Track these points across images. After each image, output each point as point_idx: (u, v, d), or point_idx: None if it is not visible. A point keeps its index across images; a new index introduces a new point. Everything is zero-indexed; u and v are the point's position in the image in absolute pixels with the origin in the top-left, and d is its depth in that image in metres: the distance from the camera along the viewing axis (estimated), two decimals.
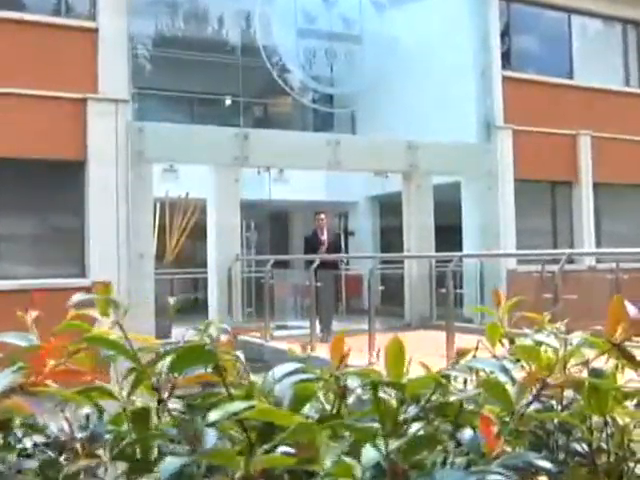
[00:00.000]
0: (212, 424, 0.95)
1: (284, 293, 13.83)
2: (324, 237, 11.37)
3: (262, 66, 12.86)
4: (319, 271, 10.48)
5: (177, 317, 14.19)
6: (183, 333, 1.56)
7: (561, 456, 1.32)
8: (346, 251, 15.27)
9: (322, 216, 11.50)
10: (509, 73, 14.31)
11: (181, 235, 13.21)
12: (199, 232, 12.90)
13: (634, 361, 1.06)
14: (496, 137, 13.91)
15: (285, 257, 13.83)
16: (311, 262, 10.46)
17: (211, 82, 14.96)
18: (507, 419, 1.02)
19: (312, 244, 11.36)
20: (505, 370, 1.18)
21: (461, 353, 1.67)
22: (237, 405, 0.95)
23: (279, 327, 12.04)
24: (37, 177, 10.76)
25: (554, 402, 1.30)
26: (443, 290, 10.78)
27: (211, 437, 0.90)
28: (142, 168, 11.30)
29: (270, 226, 16.23)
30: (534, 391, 1.05)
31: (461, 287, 12.98)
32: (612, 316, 1.03)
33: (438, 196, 13.25)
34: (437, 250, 12.91)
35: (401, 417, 0.95)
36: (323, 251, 11.12)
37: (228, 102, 16.23)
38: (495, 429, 0.91)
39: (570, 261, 13.89)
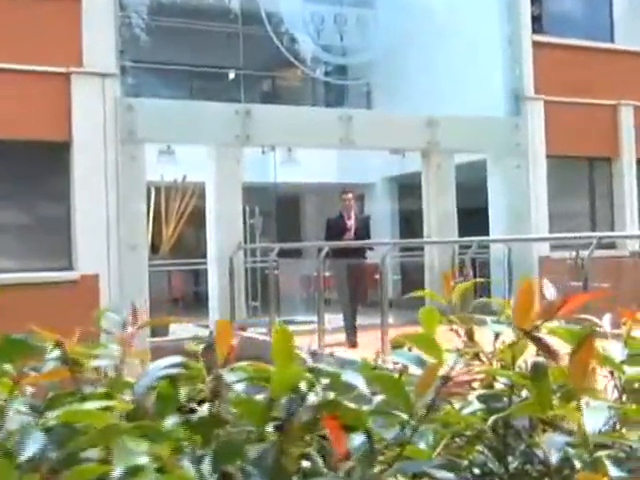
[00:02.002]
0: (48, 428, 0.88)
1: (293, 285, 13.80)
2: (351, 221, 10.64)
3: (267, 35, 12.77)
4: (341, 261, 10.23)
5: (176, 313, 14.30)
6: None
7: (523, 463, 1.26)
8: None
9: (349, 195, 10.74)
10: (540, 38, 14.09)
11: (178, 223, 13.19)
12: (198, 219, 12.88)
13: (549, 351, 0.98)
14: (526, 109, 13.73)
15: (291, 245, 13.76)
16: (332, 250, 10.26)
17: (212, 54, 14.89)
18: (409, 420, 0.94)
19: (336, 229, 10.59)
20: (422, 363, 1.10)
21: (396, 345, 1.60)
22: (75, 407, 0.88)
23: (286, 322, 12.02)
24: (16, 161, 10.76)
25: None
26: (480, 279, 10.68)
27: (33, 443, 0.83)
28: (133, 149, 11.27)
29: (278, 212, 16.16)
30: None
31: (488, 276, 12.90)
32: (521, 300, 0.95)
33: (461, 176, 13.11)
34: (461, 236, 12.79)
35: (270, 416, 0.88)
36: (350, 237, 10.47)
37: (231, 76, 16.14)
38: (343, 434, 0.83)
39: (611, 246, 13.78)
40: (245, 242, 12.93)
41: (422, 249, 13.31)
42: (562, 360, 1.04)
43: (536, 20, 14.33)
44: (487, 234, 13.15)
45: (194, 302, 14.43)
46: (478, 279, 10.08)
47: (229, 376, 0.98)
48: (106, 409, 0.92)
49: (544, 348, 0.98)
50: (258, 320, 12.08)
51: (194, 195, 13.32)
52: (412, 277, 14.28)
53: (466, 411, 1.29)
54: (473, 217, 13.35)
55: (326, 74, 14.85)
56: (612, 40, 15.10)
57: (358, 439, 0.93)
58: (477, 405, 1.35)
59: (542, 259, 13.15)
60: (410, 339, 1.07)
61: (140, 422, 0.85)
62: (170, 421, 0.99)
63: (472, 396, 1.30)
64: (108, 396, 0.98)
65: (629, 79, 14.57)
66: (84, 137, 10.90)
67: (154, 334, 11.34)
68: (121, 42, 11.84)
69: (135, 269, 11.15)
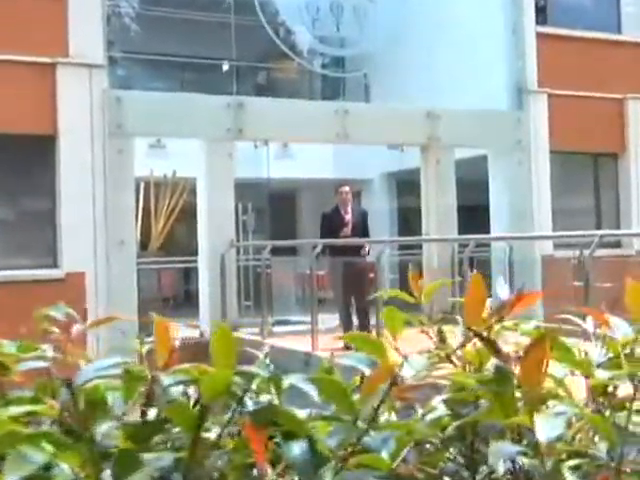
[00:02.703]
0: None
1: (287, 284, 13.77)
2: (348, 216, 10.42)
3: (261, 26, 12.73)
4: (338, 258, 10.11)
5: (165, 312, 14.26)
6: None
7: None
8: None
9: (346, 189, 10.52)
10: (544, 29, 14.06)
11: (168, 219, 13.17)
12: (189, 215, 12.85)
13: (499, 352, 0.95)
14: (529, 103, 13.71)
15: (284, 242, 13.72)
16: (329, 247, 10.19)
17: (204, 45, 14.84)
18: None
19: (332, 224, 10.37)
20: (374, 366, 1.07)
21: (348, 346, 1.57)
22: None
23: (280, 323, 12.00)
24: None
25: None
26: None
27: None
28: (121, 143, 11.24)
29: (271, 208, 16.13)
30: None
31: (489, 275, 12.85)
32: (471, 300, 0.92)
33: (461, 172, 13.07)
34: (461, 234, 12.76)
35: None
36: (347, 233, 10.28)
37: (225, 67, 16.10)
38: (263, 443, 0.79)
39: (616, 245, 13.75)
40: (237, 240, 12.90)
41: (421, 247, 13.28)
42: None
43: (540, 11, 14.30)
44: (488, 232, 13.12)
45: (185, 301, 14.41)
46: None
47: (166, 379, 0.95)
48: (30, 414, 0.89)
49: (494, 349, 0.95)
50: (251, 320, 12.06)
51: (185, 191, 13.29)
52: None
53: (430, 417, 1.26)
54: (474, 215, 13.33)
55: (323, 66, 14.82)
56: (619, 31, 15.06)
57: (299, 447, 0.89)
58: (443, 410, 1.32)
59: (545, 258, 13.12)
60: (353, 340, 1.03)
61: (45, 430, 0.82)
62: (103, 427, 0.96)
63: (436, 401, 1.27)
64: (35, 401, 0.94)
65: (637, 72, 14.53)
66: (70, 130, 10.86)
67: (142, 334, 11.30)
68: (109, 32, 11.83)
69: (123, 267, 11.12)
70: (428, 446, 1.27)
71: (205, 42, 14.70)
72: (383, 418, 1.36)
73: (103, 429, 0.95)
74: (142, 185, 13.22)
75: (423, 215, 13.15)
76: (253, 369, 0.88)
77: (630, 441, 1.10)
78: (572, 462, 1.06)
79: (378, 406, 0.93)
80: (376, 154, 14.95)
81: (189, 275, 13.79)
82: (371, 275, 9.66)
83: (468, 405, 1.30)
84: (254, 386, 0.94)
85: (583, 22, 14.53)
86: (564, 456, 1.12)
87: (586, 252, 8.43)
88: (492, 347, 0.95)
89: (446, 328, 1.91)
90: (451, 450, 1.27)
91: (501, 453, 0.90)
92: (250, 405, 0.92)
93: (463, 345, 0.99)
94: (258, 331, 11.24)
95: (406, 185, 15.54)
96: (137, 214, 12.63)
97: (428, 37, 13.94)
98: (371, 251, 10.53)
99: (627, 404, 1.16)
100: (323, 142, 13.50)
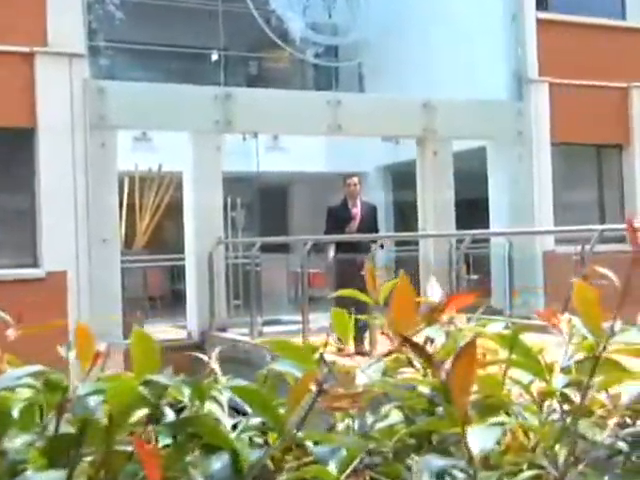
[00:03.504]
0: None
1: (279, 283, 13.75)
2: (356, 210, 10.03)
3: (251, 13, 12.69)
4: (345, 256, 9.61)
5: (152, 312, 14.25)
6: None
7: None
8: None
9: (355, 180, 10.11)
10: (545, 15, 14.04)
11: (154, 215, 13.13)
12: (176, 211, 12.81)
13: (427, 357, 0.92)
14: (529, 93, 13.68)
15: (274, 239, 13.70)
16: (336, 244, 9.96)
17: (190, 33, 14.79)
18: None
19: (339, 219, 9.99)
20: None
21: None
22: None
23: (270, 322, 11.97)
24: None
25: None
26: (474, 276, 10.64)
27: None
28: (104, 136, 11.20)
29: (262, 203, 16.09)
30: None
31: (488, 272, 12.85)
32: (397, 302, 0.90)
33: (459, 165, 13.04)
34: (459, 229, 12.74)
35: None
36: (352, 229, 9.90)
37: (214, 57, 16.05)
38: (155, 458, 0.76)
39: (621, 240, 13.71)
40: (226, 236, 12.86)
41: (417, 243, 13.27)
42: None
43: None
44: (487, 227, 13.09)
45: (172, 301, 14.36)
46: (473, 276, 10.03)
47: (82, 389, 0.92)
48: None
49: (422, 355, 0.92)
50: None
51: (171, 186, 13.25)
52: (408, 273, 14.20)
53: (382, 424, 1.23)
54: (472, 209, 13.30)
55: (316, 56, 14.77)
56: (624, 17, 15.03)
57: (219, 461, 0.86)
58: (396, 418, 1.29)
59: (546, 254, 13.11)
60: (273, 346, 1.00)
61: None
62: (16, 441, 0.93)
63: (387, 408, 1.24)
64: None
65: None
66: (50, 123, 10.82)
67: (127, 336, 11.27)
68: (93, 20, 11.78)
69: (106, 266, 11.08)
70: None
71: (193, 31, 14.64)
72: (342, 425, 1.34)
73: (16, 443, 0.92)
74: (126, 180, 13.17)
75: (419, 210, 13.12)
76: (162, 378, 0.85)
77: (587, 449, 1.07)
78: (528, 474, 1.04)
79: (305, 416, 0.90)
80: (370, 146, 14.92)
81: (176, 274, 13.75)
82: (362, 273, 9.56)
83: (422, 413, 1.28)
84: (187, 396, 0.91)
85: (586, 8, 14.48)
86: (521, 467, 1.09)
87: (587, 247, 8.42)
88: (421, 353, 0.92)
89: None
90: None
91: (426, 467, 0.87)
92: (170, 416, 0.89)
93: (390, 353, 0.96)
94: (248, 331, 11.20)
95: (402, 178, 15.51)
96: (121, 210, 12.59)
97: (424, 24, 13.89)
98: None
99: (595, 410, 1.13)
100: (315, 134, 13.46)
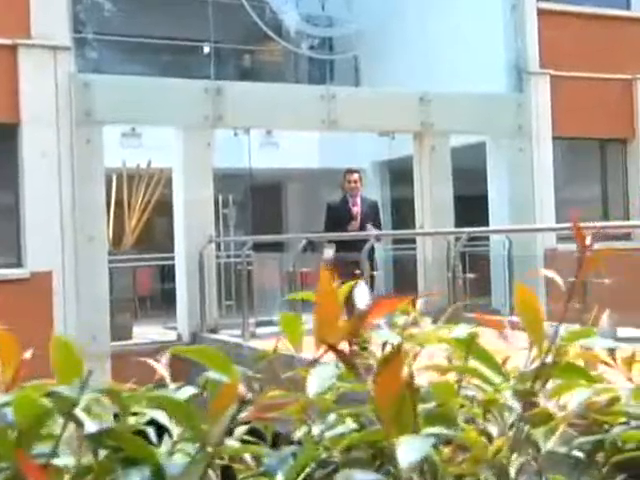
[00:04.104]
0: None
1: (272, 282, 13.71)
2: (357, 207, 9.92)
3: (242, 4, 12.66)
4: (346, 255, 9.39)
5: (142, 313, 14.24)
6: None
7: None
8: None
9: (355, 177, 9.99)
10: (547, 5, 14.00)
11: (142, 213, 13.10)
12: (165, 209, 12.79)
13: (351, 365, 0.90)
14: (530, 85, 13.65)
15: (265, 237, 13.69)
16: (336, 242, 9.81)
17: (180, 25, 14.77)
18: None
19: (339, 216, 9.85)
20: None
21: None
22: None
23: (263, 324, 11.94)
24: None
25: None
26: (471, 275, 10.57)
27: None
28: (90, 132, 11.18)
29: (254, 201, 16.08)
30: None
31: (487, 271, 12.85)
32: (320, 307, 0.87)
33: (458, 160, 13.02)
34: (458, 226, 12.72)
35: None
36: (355, 227, 9.76)
37: (206, 49, 16.04)
38: (41, 474, 0.74)
39: (625, 237, 13.72)
40: (217, 235, 12.84)
41: (415, 241, 13.25)
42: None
43: None
44: (487, 224, 13.08)
45: (162, 301, 14.34)
46: (469, 275, 10.01)
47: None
48: None
49: (348, 364, 0.90)
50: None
51: (160, 182, 13.23)
52: (406, 272, 14.19)
53: (331, 433, 1.21)
54: (471, 206, 13.27)
55: (310, 48, 14.75)
56: (628, 7, 15.01)
57: (139, 475, 0.84)
58: (349, 426, 1.27)
59: (548, 252, 13.09)
60: (193, 354, 0.98)
61: None
62: None
63: (332, 416, 1.22)
64: None
65: None
66: (34, 118, 10.77)
67: (115, 338, 11.27)
68: (77, 11, 11.75)
69: (93, 265, 11.05)
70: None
71: (183, 23, 14.63)
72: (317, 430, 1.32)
73: None
74: (114, 177, 13.15)
75: (417, 206, 13.10)
76: (67, 390, 0.82)
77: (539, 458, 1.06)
78: None
79: (229, 429, 0.88)
80: (366, 142, 14.91)
81: (166, 273, 13.73)
82: (357, 272, 9.45)
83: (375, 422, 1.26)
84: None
85: None
86: None
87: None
88: (346, 361, 0.90)
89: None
90: None
91: None
92: (91, 428, 0.87)
93: (316, 360, 0.93)
94: (239, 333, 11.19)
95: (399, 175, 15.49)
96: (109, 208, 12.58)
97: (421, 15, 13.88)
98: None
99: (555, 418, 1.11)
100: (308, 129, 13.45)
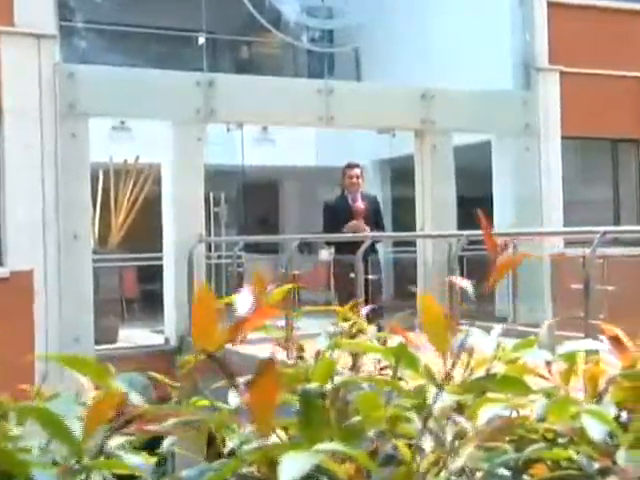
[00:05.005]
0: None
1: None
2: (358, 204, 9.79)
3: None
4: (347, 257, 9.19)
5: (129, 315, 14.21)
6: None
7: None
8: None
9: (357, 171, 9.86)
10: None
11: (130, 211, 13.09)
12: (154, 207, 12.77)
13: (229, 375, 0.89)
14: (538, 82, 13.61)
15: (256, 238, 13.70)
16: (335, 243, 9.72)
17: (171, 15, 14.77)
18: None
19: (337, 215, 9.70)
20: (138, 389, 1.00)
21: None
22: None
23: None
24: None
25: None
26: (469, 280, 10.56)
27: None
28: (75, 125, 11.15)
29: (247, 199, 16.08)
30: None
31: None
32: (199, 315, 0.86)
33: (461, 160, 12.99)
34: (461, 229, 12.69)
35: None
36: (361, 228, 9.63)
37: (201, 40, 16.04)
38: None
39: (636, 243, 13.67)
40: (208, 234, 12.83)
41: (415, 244, 13.23)
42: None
43: None
44: (491, 226, 13.03)
45: (150, 303, 14.33)
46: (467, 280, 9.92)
47: None
48: None
49: (226, 372, 0.89)
50: None
51: (149, 179, 13.22)
52: (406, 276, 14.18)
53: (247, 448, 1.19)
54: (475, 207, 13.21)
55: (310, 41, 14.73)
56: None
57: None
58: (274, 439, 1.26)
59: (555, 257, 13.05)
60: (66, 363, 0.96)
61: None
62: None
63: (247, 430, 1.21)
64: None
65: None
66: (16, 110, 10.75)
67: (100, 341, 11.26)
68: None
69: (76, 265, 11.04)
70: None
71: (174, 12, 14.62)
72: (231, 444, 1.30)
73: None
74: (101, 172, 13.15)
75: (417, 208, 13.07)
76: None
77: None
78: None
79: (104, 442, 0.86)
80: (365, 139, 14.90)
81: (154, 273, 13.71)
82: (351, 275, 9.38)
83: None
84: None
85: None
86: None
87: (600, 250, 8.36)
88: (224, 370, 0.89)
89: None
90: None
91: None
92: None
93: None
94: None
95: (399, 174, 15.49)
96: (95, 205, 12.56)
97: (425, 7, 13.87)
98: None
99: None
100: (304, 125, 13.44)
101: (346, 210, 9.76)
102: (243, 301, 0.97)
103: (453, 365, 1.01)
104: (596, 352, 1.22)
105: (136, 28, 15.14)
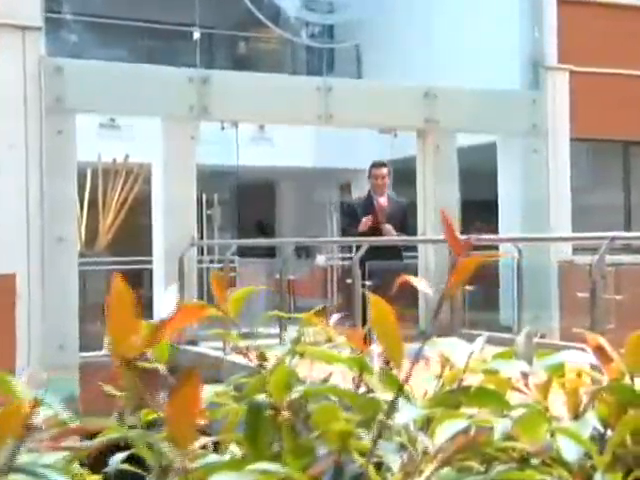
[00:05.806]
0: None
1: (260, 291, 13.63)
2: (385, 206, 9.58)
3: None
4: (375, 263, 8.89)
5: None
6: None
7: None
8: None
9: (383, 171, 9.72)
10: None
11: (119, 212, 13.06)
12: (144, 208, 12.74)
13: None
14: (546, 81, 13.56)
15: (248, 241, 13.66)
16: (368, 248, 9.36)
17: (164, 8, 14.76)
18: None
19: (360, 217, 9.43)
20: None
21: None
22: None
23: (248, 336, 11.88)
24: None
25: None
26: (469, 288, 10.47)
27: None
28: (61, 121, 11.12)
29: (241, 201, 16.05)
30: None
31: (495, 284, 12.77)
32: (115, 319, 0.80)
33: (465, 161, 12.94)
34: (465, 233, 12.63)
35: None
36: (389, 231, 9.42)
37: (197, 35, 16.00)
38: None
39: None
40: (200, 237, 12.79)
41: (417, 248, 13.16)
42: None
43: None
44: (496, 231, 13.00)
45: (141, 309, 14.25)
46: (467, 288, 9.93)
47: None
48: None
49: (143, 382, 0.83)
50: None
51: (139, 179, 13.19)
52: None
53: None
54: (480, 211, 13.20)
55: (310, 36, 14.71)
56: None
57: None
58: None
59: (563, 265, 13.00)
60: None
61: None
62: None
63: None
64: None
65: None
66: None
67: (85, 348, 11.20)
68: None
69: (62, 268, 11.00)
70: None
71: (169, 5, 14.61)
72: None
73: None
74: (89, 172, 13.12)
75: (419, 211, 13.01)
76: None
77: None
78: None
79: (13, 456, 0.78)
80: (366, 139, 14.87)
81: (144, 278, 13.65)
82: (348, 281, 9.28)
83: None
84: None
85: None
86: None
87: (609, 258, 8.27)
88: (143, 381, 0.83)
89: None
90: None
91: None
92: None
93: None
94: (221, 345, 11.12)
95: (405, 176, 15.43)
96: (82, 206, 12.52)
97: (429, 3, 13.85)
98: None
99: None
100: (302, 124, 13.40)
101: (370, 212, 9.54)
102: (166, 302, 0.92)
103: (407, 377, 0.93)
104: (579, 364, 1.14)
105: (127, 21, 15.12)
